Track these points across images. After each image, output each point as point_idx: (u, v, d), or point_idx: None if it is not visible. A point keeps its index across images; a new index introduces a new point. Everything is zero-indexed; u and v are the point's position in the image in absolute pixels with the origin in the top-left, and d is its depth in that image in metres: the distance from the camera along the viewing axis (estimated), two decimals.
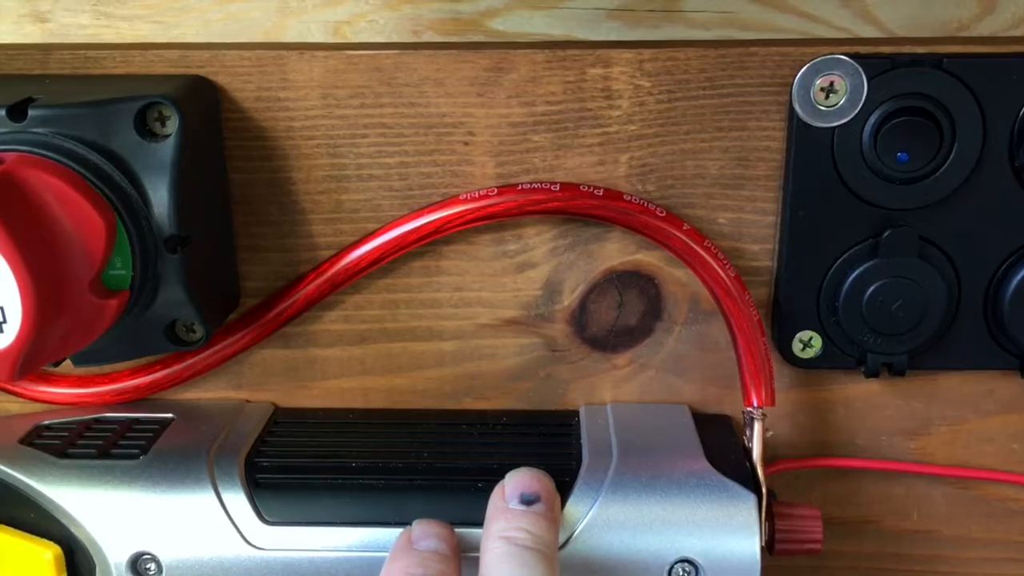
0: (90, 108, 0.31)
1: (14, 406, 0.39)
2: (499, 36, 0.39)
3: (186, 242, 0.32)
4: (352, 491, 0.34)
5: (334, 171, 0.36)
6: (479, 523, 0.33)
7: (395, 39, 0.39)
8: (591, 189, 0.35)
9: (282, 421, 0.38)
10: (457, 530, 0.33)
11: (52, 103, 0.31)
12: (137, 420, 0.37)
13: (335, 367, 0.39)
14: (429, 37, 0.39)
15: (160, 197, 0.31)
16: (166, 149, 0.31)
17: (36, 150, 0.30)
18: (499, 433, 0.37)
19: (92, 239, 0.29)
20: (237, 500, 0.34)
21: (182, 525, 0.33)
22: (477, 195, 0.35)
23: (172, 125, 0.32)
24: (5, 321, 0.28)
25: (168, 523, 0.33)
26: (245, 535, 0.33)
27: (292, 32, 0.39)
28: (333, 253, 0.37)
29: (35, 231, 0.28)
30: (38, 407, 0.39)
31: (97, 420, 0.37)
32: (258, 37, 0.39)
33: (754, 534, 0.33)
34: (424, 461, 0.35)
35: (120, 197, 0.30)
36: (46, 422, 0.37)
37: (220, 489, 0.34)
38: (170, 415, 0.38)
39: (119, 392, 0.38)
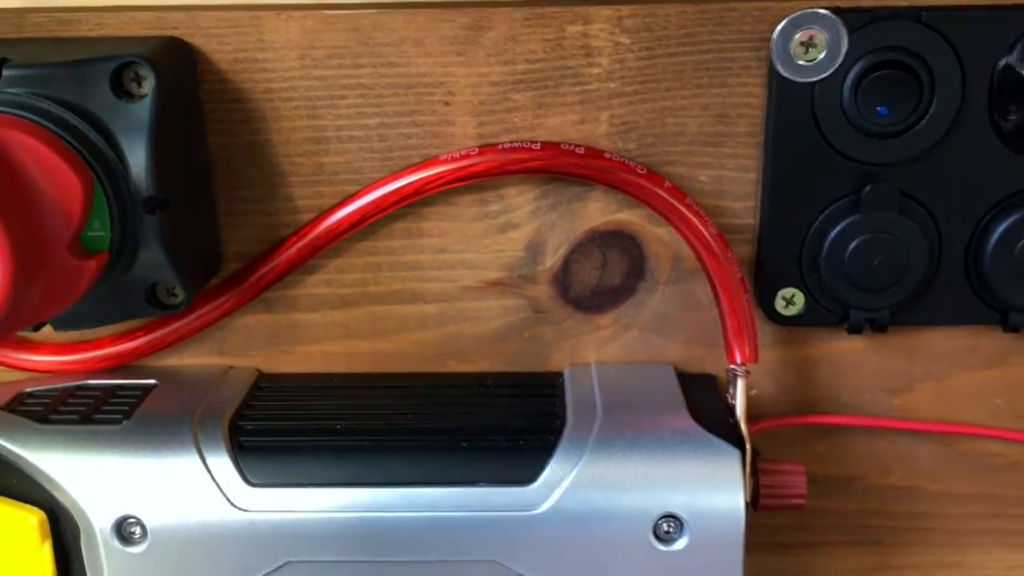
0: (65, 68, 0.31)
1: None
2: None
3: (164, 204, 0.32)
4: (336, 452, 0.34)
5: (313, 133, 0.36)
6: (462, 482, 0.33)
7: None
8: (572, 147, 0.35)
9: (266, 386, 0.38)
10: (441, 490, 0.33)
11: (26, 63, 0.30)
12: (120, 386, 0.37)
13: (318, 331, 0.39)
14: None
15: (137, 157, 0.31)
16: (142, 109, 0.31)
17: (11, 110, 0.29)
18: (483, 394, 0.37)
19: (69, 199, 0.29)
20: (221, 463, 0.34)
21: (166, 488, 0.33)
22: (457, 155, 0.35)
23: (148, 85, 0.31)
24: None
25: (152, 487, 0.33)
26: (230, 497, 0.33)
27: None
28: (314, 216, 0.37)
29: (11, 192, 0.28)
30: (20, 375, 0.38)
31: (80, 387, 0.37)
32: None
33: (738, 489, 0.33)
34: (408, 422, 0.35)
35: (97, 157, 0.30)
36: (28, 389, 0.37)
37: (204, 452, 0.34)
38: (153, 381, 0.38)
39: (102, 359, 0.38)
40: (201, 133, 0.35)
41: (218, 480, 0.33)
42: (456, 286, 0.38)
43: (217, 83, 0.35)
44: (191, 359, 0.39)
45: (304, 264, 0.37)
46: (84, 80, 0.31)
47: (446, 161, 0.35)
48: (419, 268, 0.38)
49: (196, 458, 0.34)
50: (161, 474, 0.34)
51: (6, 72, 0.30)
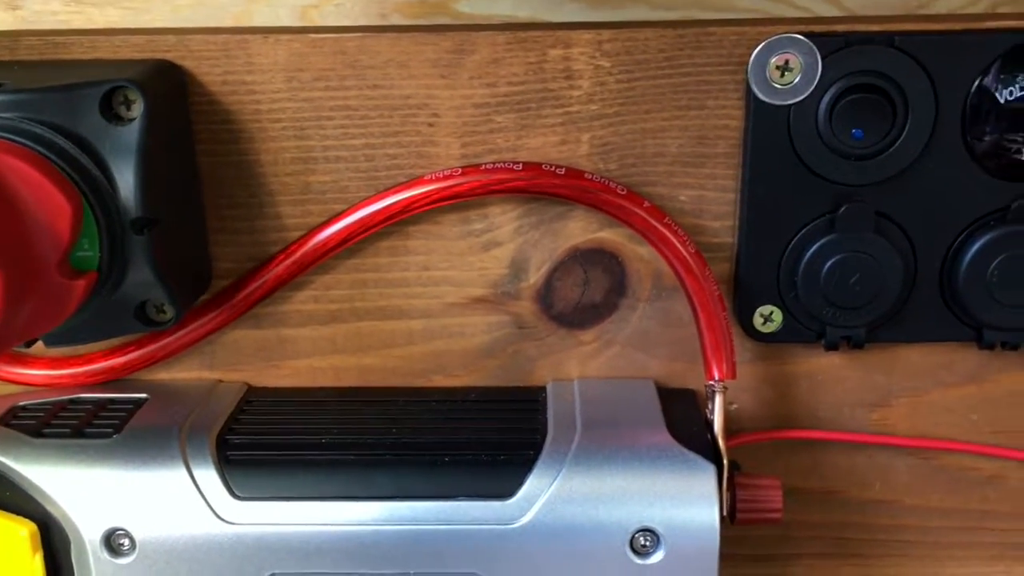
0: (56, 92, 0.31)
1: None
2: (464, 18, 0.39)
3: (152, 224, 0.32)
4: (322, 466, 0.35)
5: (301, 153, 0.37)
6: (444, 496, 0.34)
7: (362, 22, 0.40)
8: (553, 168, 0.36)
9: (254, 400, 0.39)
10: (422, 503, 0.34)
11: (18, 88, 0.31)
12: (111, 400, 0.38)
13: (306, 347, 0.40)
14: (396, 20, 0.40)
15: (126, 180, 0.32)
16: (131, 132, 0.32)
17: (3, 134, 0.30)
18: (467, 409, 0.38)
19: (58, 221, 0.30)
20: (208, 476, 0.34)
21: (154, 501, 0.34)
22: (441, 175, 0.36)
23: (137, 109, 0.32)
24: None
25: (141, 500, 0.34)
26: (216, 510, 0.34)
27: (260, 17, 0.40)
28: (301, 234, 0.38)
29: (2, 214, 0.29)
30: (13, 388, 0.39)
31: (72, 401, 0.38)
32: (226, 22, 0.40)
33: (713, 503, 0.34)
34: (393, 436, 0.36)
35: (86, 180, 0.31)
36: (21, 403, 0.38)
37: (191, 466, 0.35)
38: (144, 395, 0.38)
39: (93, 373, 0.39)
40: (191, 153, 0.36)
41: (205, 493, 0.34)
42: (441, 302, 0.39)
43: (207, 104, 0.36)
44: (181, 373, 0.40)
45: (292, 281, 0.38)
46: (74, 104, 0.31)
47: (431, 181, 0.36)
48: (404, 285, 0.39)
49: (184, 471, 0.34)
50: (149, 487, 0.34)
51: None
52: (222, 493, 0.34)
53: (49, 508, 0.35)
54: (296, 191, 0.37)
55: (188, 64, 0.35)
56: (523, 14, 0.39)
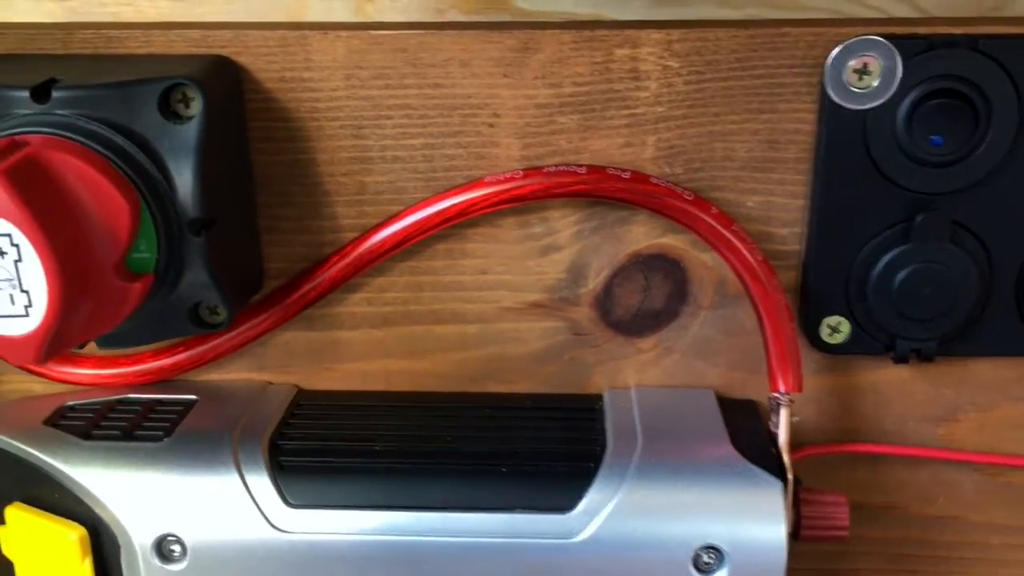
0: (114, 89, 0.31)
1: (37, 386, 0.39)
2: (524, 15, 0.38)
3: (210, 224, 0.32)
4: (376, 475, 0.34)
5: (358, 153, 0.36)
6: (501, 508, 0.33)
7: (418, 17, 0.39)
8: (618, 172, 0.35)
9: (305, 403, 0.38)
10: (479, 515, 0.33)
11: (75, 84, 0.30)
12: (160, 401, 0.37)
13: (358, 349, 0.39)
14: (453, 15, 0.39)
15: (184, 179, 0.31)
16: (190, 131, 0.31)
17: (60, 132, 0.29)
18: (522, 417, 0.37)
19: (116, 222, 0.29)
20: (261, 483, 0.34)
21: (206, 507, 0.33)
22: (502, 177, 0.35)
23: (196, 107, 0.31)
24: (31, 305, 0.28)
25: (192, 505, 0.33)
26: (269, 518, 0.33)
27: (314, 11, 0.39)
28: (356, 235, 0.37)
29: (60, 214, 0.28)
30: (61, 387, 0.39)
31: (121, 401, 0.37)
32: (280, 16, 0.39)
33: (780, 521, 0.33)
34: (447, 445, 0.35)
35: (144, 179, 0.30)
36: (70, 403, 0.37)
37: (244, 471, 0.34)
38: (193, 396, 0.38)
39: (142, 373, 0.38)
40: (245, 152, 0.35)
41: (258, 500, 0.33)
42: (496, 307, 0.38)
43: (263, 102, 0.35)
44: (231, 374, 0.39)
45: (346, 283, 0.37)
46: (132, 101, 0.31)
47: (491, 183, 0.35)
48: (460, 288, 0.38)
49: (236, 477, 0.34)
50: (201, 493, 0.34)
51: (55, 94, 0.30)
52: (275, 500, 0.33)
53: (99, 512, 0.34)
54: (352, 191, 0.36)
55: (244, 60, 0.35)
56: (584, 11, 0.38)
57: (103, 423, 0.36)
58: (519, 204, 0.35)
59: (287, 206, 0.37)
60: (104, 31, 0.35)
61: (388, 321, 0.38)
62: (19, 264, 0.27)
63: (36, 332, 0.28)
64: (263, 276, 0.37)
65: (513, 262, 0.37)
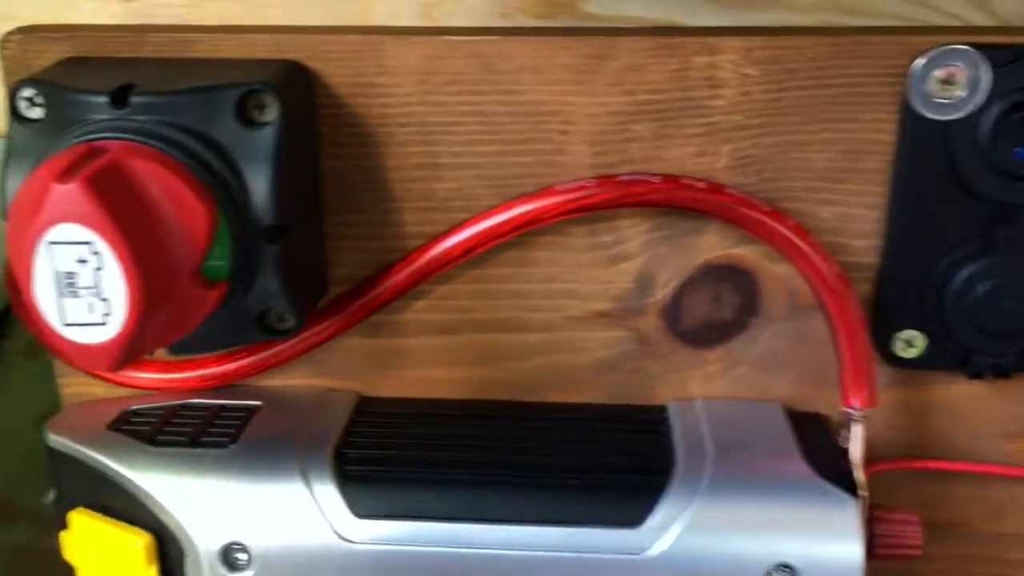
0: (191, 95, 0.30)
1: (98, 390, 0.39)
2: (592, 19, 0.38)
3: (284, 232, 0.31)
4: (444, 486, 0.34)
5: (428, 159, 0.35)
6: (570, 522, 0.33)
7: (485, 22, 0.38)
8: (693, 181, 0.34)
9: (368, 411, 0.38)
10: (548, 529, 0.33)
11: (153, 90, 0.30)
12: (224, 407, 0.37)
13: (420, 357, 0.38)
14: (520, 20, 0.38)
15: (260, 186, 0.31)
16: (265, 137, 0.31)
17: (138, 138, 0.29)
18: (588, 428, 0.37)
19: (194, 229, 0.29)
20: (327, 492, 0.33)
21: (273, 516, 0.33)
22: (573, 186, 0.34)
23: (272, 112, 0.31)
24: (109, 313, 0.27)
25: (259, 514, 0.33)
26: (336, 528, 0.33)
27: (379, 13, 0.38)
28: (423, 242, 0.36)
29: (141, 222, 0.28)
30: (123, 391, 0.38)
31: (185, 406, 0.37)
32: (344, 18, 0.38)
33: (855, 539, 0.32)
34: (515, 456, 0.35)
35: (220, 186, 0.30)
36: (134, 407, 0.37)
37: (310, 480, 0.34)
38: (257, 402, 0.37)
39: (205, 378, 0.38)
40: (315, 157, 0.35)
41: (324, 510, 0.33)
42: (561, 316, 0.37)
43: (333, 107, 0.35)
44: (292, 380, 0.39)
45: (411, 290, 0.37)
46: (209, 107, 0.30)
47: (562, 192, 0.35)
48: (526, 297, 0.37)
49: (302, 486, 0.33)
50: (268, 501, 0.33)
51: (133, 99, 0.30)
52: (342, 510, 0.33)
53: (164, 519, 0.34)
54: (420, 198, 0.36)
55: (316, 65, 0.34)
56: (654, 16, 0.38)
57: (168, 428, 0.36)
58: (590, 213, 0.35)
59: (354, 212, 0.36)
60: (174, 35, 0.34)
61: (451, 329, 0.38)
62: (99, 272, 0.27)
63: (114, 340, 0.28)
64: (327, 282, 0.37)
65: (580, 271, 0.37)
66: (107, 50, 0.35)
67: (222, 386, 0.38)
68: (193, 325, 0.30)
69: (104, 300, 0.27)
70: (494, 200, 0.36)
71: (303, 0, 0.39)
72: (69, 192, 0.26)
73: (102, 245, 0.27)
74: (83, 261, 0.27)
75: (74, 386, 0.39)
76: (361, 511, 0.33)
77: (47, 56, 0.35)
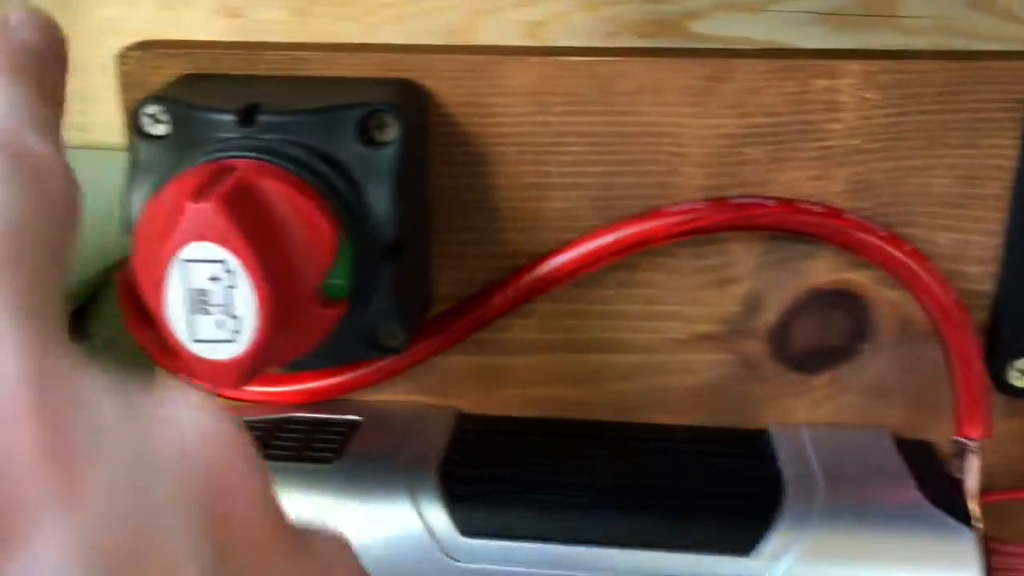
0: (315, 115, 0.30)
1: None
2: (700, 40, 0.38)
3: (402, 250, 0.31)
4: (553, 507, 0.33)
5: (537, 179, 0.35)
6: (681, 548, 0.32)
7: (590, 42, 0.38)
8: (809, 206, 0.34)
9: (469, 428, 0.38)
10: (659, 554, 0.32)
11: (278, 109, 0.30)
12: (326, 421, 0.37)
13: (520, 376, 0.38)
14: (626, 40, 0.38)
15: (380, 205, 0.31)
16: (387, 157, 0.31)
17: (265, 156, 0.29)
18: (692, 452, 0.36)
19: (319, 247, 0.29)
20: (435, 511, 0.33)
21: (380, 534, 0.33)
22: (685, 208, 0.34)
23: (392, 132, 0.31)
24: (239, 331, 0.28)
25: (365, 531, 0.33)
26: (445, 548, 0.33)
27: (485, 32, 0.39)
28: (529, 261, 0.36)
29: (270, 240, 0.28)
30: (226, 404, 0.39)
31: (288, 420, 0.37)
32: (449, 37, 0.39)
33: (975, 572, 0.32)
34: (623, 479, 0.34)
35: (342, 205, 0.30)
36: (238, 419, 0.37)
37: (417, 498, 0.34)
38: (357, 417, 0.38)
39: (307, 392, 0.38)
40: (426, 176, 0.35)
41: (433, 529, 0.33)
42: (664, 338, 0.37)
43: (445, 126, 0.35)
44: (390, 395, 0.39)
45: (516, 309, 0.37)
46: (332, 127, 0.30)
47: (673, 214, 0.34)
48: (629, 318, 0.37)
49: (409, 504, 0.33)
50: (374, 519, 0.33)
51: (260, 118, 0.30)
52: (450, 530, 0.33)
53: None
54: (528, 217, 0.36)
55: (430, 84, 0.34)
56: (762, 37, 0.37)
57: (274, 442, 0.36)
58: (702, 235, 0.35)
59: (462, 231, 0.36)
60: (289, 52, 0.35)
61: (553, 348, 0.38)
62: (231, 290, 0.27)
63: (242, 358, 0.28)
64: (432, 300, 0.37)
65: (686, 293, 0.36)
66: (222, 67, 0.35)
67: (323, 401, 0.38)
68: (313, 343, 0.30)
69: (234, 318, 0.27)
70: (601, 221, 0.35)
71: (408, 18, 0.39)
72: (205, 211, 0.26)
73: (235, 263, 0.27)
74: (215, 279, 0.27)
75: None
76: (469, 530, 0.33)
77: (163, 72, 0.35)
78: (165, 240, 0.27)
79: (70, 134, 0.47)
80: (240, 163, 0.29)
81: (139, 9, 0.41)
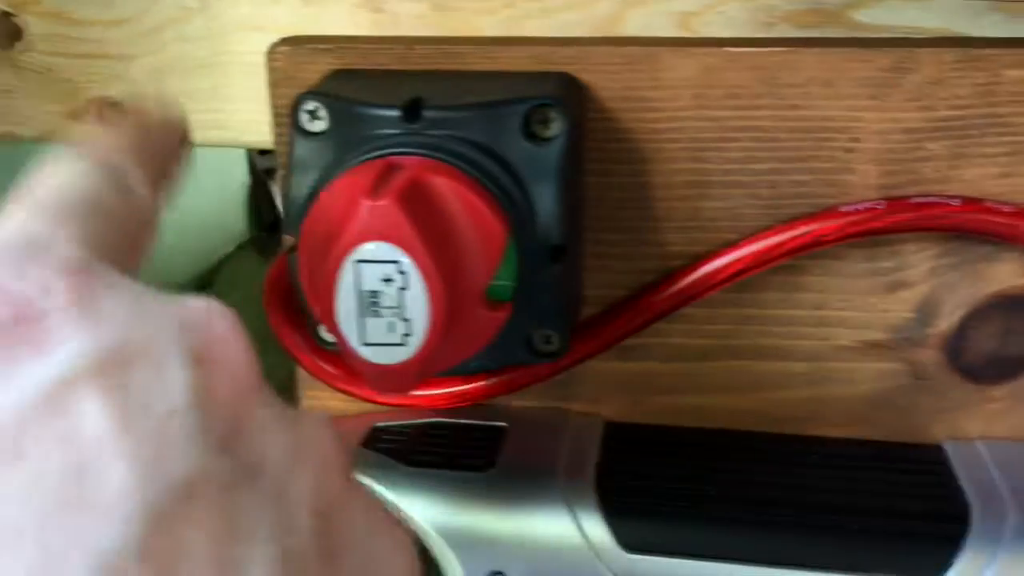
0: (480, 110, 0.29)
1: (337, 403, 0.39)
2: (863, 30, 0.36)
3: (566, 252, 0.30)
4: (717, 523, 0.32)
5: (696, 176, 0.34)
6: (857, 570, 0.30)
7: (746, 32, 0.36)
8: (998, 205, 0.31)
9: (620, 437, 0.36)
10: None
11: (442, 104, 0.29)
12: (471, 427, 0.36)
13: (670, 383, 0.37)
14: (784, 30, 0.36)
15: (545, 204, 0.29)
16: (552, 153, 0.29)
17: (433, 153, 0.28)
18: (860, 466, 0.34)
19: (488, 248, 0.28)
20: (594, 524, 0.32)
21: (539, 547, 0.32)
22: (860, 208, 0.32)
23: (556, 127, 0.30)
24: (410, 334, 0.27)
25: (523, 543, 0.32)
26: (606, 563, 0.31)
27: (634, 23, 0.37)
28: (684, 263, 0.35)
29: (442, 240, 0.27)
30: (367, 407, 0.38)
31: (432, 425, 0.36)
32: (596, 29, 0.37)
33: None
34: (789, 494, 0.33)
35: (510, 203, 0.29)
36: (380, 424, 0.37)
37: (575, 510, 0.32)
38: (502, 423, 0.36)
39: (451, 396, 0.37)
40: (583, 174, 0.34)
41: (593, 543, 0.32)
42: (830, 345, 0.35)
43: (601, 121, 0.33)
44: (532, 401, 0.38)
45: (670, 314, 0.35)
46: (497, 122, 0.29)
47: (847, 213, 0.32)
48: (792, 324, 0.35)
49: (568, 517, 0.32)
50: (532, 531, 0.32)
51: (425, 114, 0.29)
52: (611, 544, 0.32)
53: (423, 541, 0.33)
54: (684, 217, 0.34)
55: (586, 78, 0.33)
56: (933, 25, 0.35)
57: (421, 448, 0.35)
58: (877, 237, 0.33)
59: (614, 231, 0.35)
60: (443, 47, 0.34)
61: (707, 355, 0.36)
62: (404, 292, 0.26)
63: (412, 361, 0.27)
64: (581, 303, 0.36)
65: (855, 298, 0.34)
66: (371, 62, 0.34)
67: (466, 405, 0.37)
68: (478, 347, 0.29)
69: (406, 320, 0.26)
70: (765, 221, 0.34)
71: (550, 11, 0.38)
72: (382, 209, 0.25)
73: (409, 264, 0.26)
74: (388, 280, 0.26)
75: (318, 399, 0.39)
76: (630, 545, 0.32)
77: (313, 68, 0.34)
78: (335, 239, 0.26)
79: (206, 132, 0.46)
80: (407, 160, 0.28)
81: (278, 5, 0.41)
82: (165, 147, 0.24)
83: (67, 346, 0.16)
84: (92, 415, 0.16)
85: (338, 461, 0.20)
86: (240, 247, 0.96)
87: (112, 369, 0.16)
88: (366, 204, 0.25)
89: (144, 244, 0.21)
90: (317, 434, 0.20)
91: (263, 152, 1.04)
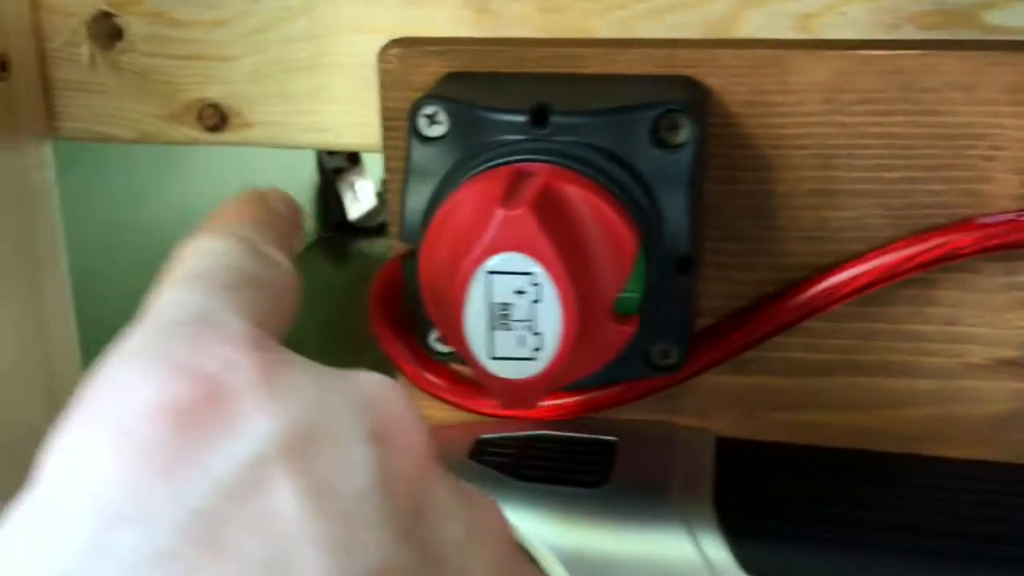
0: (608, 116, 0.28)
1: (437, 413, 0.38)
2: (996, 32, 0.34)
3: (695, 263, 0.29)
4: (844, 548, 0.30)
5: (823, 185, 0.32)
6: None
7: (869, 33, 0.35)
8: None
9: (734, 454, 0.35)
10: None
11: (569, 109, 0.28)
12: (578, 441, 0.35)
13: (788, 399, 0.35)
14: (909, 31, 0.35)
15: (674, 213, 0.28)
16: (681, 160, 0.28)
17: (562, 160, 0.27)
18: (993, 491, 0.33)
19: (619, 259, 0.27)
20: (713, 544, 0.31)
21: (656, 567, 0.31)
22: (1002, 219, 0.31)
23: (685, 133, 0.29)
24: (540, 348, 0.26)
25: (641, 565, 0.31)
26: None
27: (750, 25, 0.36)
28: (807, 275, 0.33)
29: (575, 250, 0.26)
30: (468, 417, 0.37)
31: (538, 438, 0.35)
32: (712, 31, 0.36)
33: None
34: (919, 519, 0.31)
35: (638, 212, 0.28)
36: (485, 436, 0.36)
37: (694, 530, 0.31)
38: (612, 438, 0.35)
39: (558, 408, 0.36)
40: (705, 181, 0.32)
41: (712, 563, 0.30)
42: (960, 362, 0.33)
43: (724, 126, 0.32)
44: (638, 413, 0.37)
45: (791, 327, 0.34)
46: (625, 129, 0.28)
47: (986, 225, 0.31)
48: (920, 339, 0.33)
49: (686, 537, 0.31)
50: (650, 551, 0.31)
51: (552, 119, 0.28)
52: (731, 566, 0.30)
53: (534, 557, 0.32)
54: (809, 227, 0.33)
55: (712, 81, 0.32)
56: None
57: (529, 461, 0.34)
58: (1019, 250, 0.31)
59: (733, 240, 0.34)
60: (561, 49, 0.33)
61: (829, 370, 0.35)
62: (536, 305, 0.25)
63: (542, 376, 0.26)
64: (696, 314, 0.35)
65: (989, 313, 0.33)
66: (485, 64, 0.33)
67: (572, 418, 0.36)
68: (605, 361, 0.28)
69: (537, 334, 0.26)
70: (894, 232, 0.32)
71: (663, 11, 0.36)
72: (517, 219, 0.24)
73: (543, 276, 0.25)
74: (521, 292, 0.25)
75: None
76: (752, 568, 0.30)
77: (424, 70, 0.34)
78: (463, 249, 0.25)
79: (305, 135, 0.46)
80: (535, 167, 0.27)
81: (380, 5, 0.40)
82: (286, 220, 0.24)
83: (257, 425, 0.16)
84: (285, 498, 0.16)
85: (510, 538, 0.20)
86: (307, 248, 0.96)
87: (299, 449, 0.16)
88: (499, 214, 0.25)
89: (292, 313, 0.21)
90: (491, 512, 0.20)
91: (331, 153, 1.05)
